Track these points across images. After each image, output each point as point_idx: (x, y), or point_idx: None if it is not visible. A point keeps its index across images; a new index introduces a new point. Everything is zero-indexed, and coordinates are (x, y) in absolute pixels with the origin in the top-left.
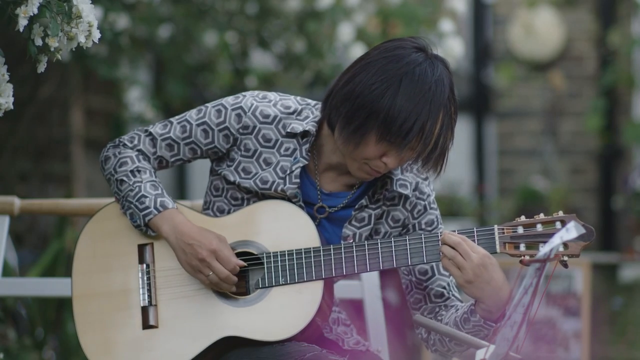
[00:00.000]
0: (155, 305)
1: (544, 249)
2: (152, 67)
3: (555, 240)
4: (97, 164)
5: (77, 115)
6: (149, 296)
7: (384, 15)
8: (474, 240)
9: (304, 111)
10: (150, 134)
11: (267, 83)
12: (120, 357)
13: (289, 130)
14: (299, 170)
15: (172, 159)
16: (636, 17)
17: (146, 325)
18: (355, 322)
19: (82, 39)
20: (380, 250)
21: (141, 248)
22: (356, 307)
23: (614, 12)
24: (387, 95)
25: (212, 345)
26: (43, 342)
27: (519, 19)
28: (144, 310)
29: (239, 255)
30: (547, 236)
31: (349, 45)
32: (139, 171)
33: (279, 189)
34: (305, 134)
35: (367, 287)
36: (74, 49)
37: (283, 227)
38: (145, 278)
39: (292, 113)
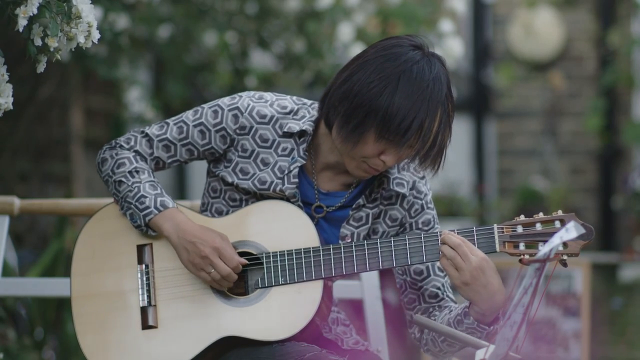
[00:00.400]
0: (155, 305)
1: (543, 249)
2: (152, 67)
3: (555, 240)
4: (95, 164)
5: (76, 116)
6: (148, 296)
7: (383, 15)
8: (473, 240)
9: (300, 111)
10: (147, 135)
11: (267, 83)
12: (119, 358)
13: (285, 130)
14: (297, 170)
15: (169, 160)
16: (636, 17)
17: (145, 326)
18: (355, 322)
19: (81, 39)
20: (379, 250)
21: (140, 248)
22: (356, 307)
23: (613, 12)
24: (386, 93)
25: (212, 345)
26: (43, 342)
27: (519, 19)
28: (143, 311)
29: (238, 255)
30: (546, 235)
31: (348, 45)
32: (137, 172)
33: (278, 189)
34: (302, 133)
35: (366, 287)
36: (73, 49)
37: (282, 227)
38: (144, 278)
39: (289, 113)
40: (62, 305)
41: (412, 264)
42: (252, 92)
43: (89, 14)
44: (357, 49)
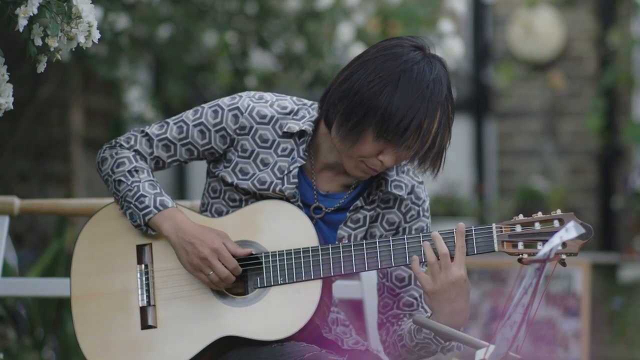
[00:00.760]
0: (154, 305)
1: (543, 249)
2: (152, 67)
3: (555, 240)
4: (95, 163)
5: (76, 116)
6: (148, 296)
7: (383, 15)
8: (472, 239)
9: (300, 111)
10: (147, 134)
11: (267, 83)
12: (119, 358)
13: (285, 130)
14: (296, 170)
15: (169, 160)
16: (636, 17)
17: (145, 326)
18: (355, 322)
19: (81, 39)
20: (378, 250)
21: (140, 248)
22: (355, 307)
23: (613, 12)
24: (385, 93)
25: (211, 345)
26: (43, 342)
27: (519, 19)
28: (143, 311)
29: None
30: (545, 235)
31: (348, 46)
32: (136, 171)
33: (277, 189)
34: (302, 133)
35: (366, 287)
36: (73, 49)
37: (282, 227)
38: (143, 278)
39: (289, 113)
40: (62, 306)
41: (410, 263)
42: (252, 92)
43: (89, 13)
44: (357, 49)
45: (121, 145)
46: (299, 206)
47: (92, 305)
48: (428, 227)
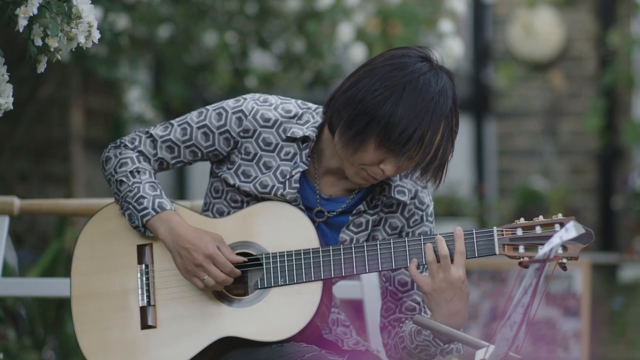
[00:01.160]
0: (154, 305)
1: (543, 249)
2: (152, 67)
3: (555, 240)
4: (97, 164)
5: (76, 116)
6: (148, 296)
7: (383, 15)
8: (473, 242)
9: (304, 115)
10: (151, 135)
11: (267, 83)
12: (118, 358)
13: (289, 134)
14: (298, 175)
15: (173, 161)
16: (636, 17)
17: (145, 326)
18: (355, 323)
19: (81, 39)
20: (379, 252)
21: (140, 248)
22: (355, 308)
23: (613, 12)
24: (389, 103)
25: (211, 345)
26: (43, 342)
27: (519, 19)
28: (143, 311)
29: (238, 255)
30: (546, 238)
31: (348, 46)
32: (138, 172)
33: (279, 193)
34: (305, 139)
35: (366, 287)
36: (73, 49)
37: (282, 229)
38: (144, 278)
39: (293, 117)
40: (62, 306)
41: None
42: (256, 95)
43: (89, 14)
44: (356, 49)
45: (125, 146)
46: (300, 209)
47: (92, 305)
48: (432, 232)
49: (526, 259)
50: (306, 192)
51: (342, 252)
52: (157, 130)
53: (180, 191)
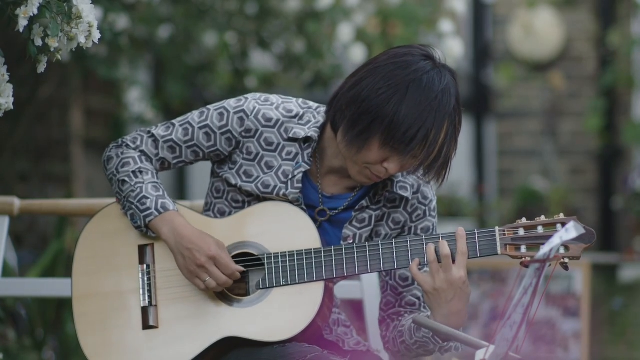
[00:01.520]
0: (156, 305)
1: (543, 249)
2: (152, 67)
3: (555, 240)
4: (97, 164)
5: (76, 116)
6: (149, 297)
7: (383, 15)
8: (475, 242)
9: (305, 115)
10: (153, 135)
11: (267, 83)
12: (120, 358)
13: (291, 135)
14: (300, 175)
15: (174, 161)
16: (636, 17)
17: (146, 326)
18: (355, 323)
19: (82, 39)
20: (381, 252)
21: (142, 248)
22: (356, 308)
23: (613, 13)
24: (393, 101)
25: (212, 345)
26: (43, 342)
27: (519, 19)
28: (144, 311)
29: (239, 256)
30: (547, 238)
31: (348, 46)
32: (140, 172)
33: (281, 193)
34: (307, 139)
35: (367, 287)
36: (73, 50)
37: (284, 229)
38: (145, 278)
39: (294, 117)
40: (62, 306)
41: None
42: (258, 94)
43: (90, 14)
44: (356, 50)
45: (127, 145)
46: (302, 209)
47: (94, 305)
48: (434, 226)
49: (528, 258)
50: (308, 192)
51: (344, 252)
52: (159, 130)
53: (180, 191)
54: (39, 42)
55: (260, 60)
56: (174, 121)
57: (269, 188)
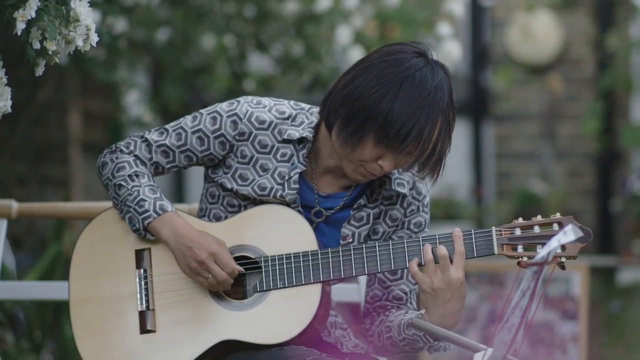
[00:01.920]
0: (153, 309)
1: (541, 252)
2: (150, 70)
3: (553, 243)
4: (95, 168)
5: (75, 119)
6: (147, 301)
7: (382, 18)
8: (472, 242)
9: (298, 116)
10: (146, 140)
11: (265, 86)
12: None
13: (285, 137)
14: (297, 176)
15: (168, 166)
16: (634, 20)
17: (144, 330)
18: (352, 326)
19: (80, 42)
20: (378, 253)
21: (138, 253)
22: (352, 311)
23: (612, 15)
24: (387, 99)
25: (210, 349)
26: (41, 345)
27: (517, 22)
28: (142, 315)
29: (236, 259)
30: (544, 238)
31: (347, 48)
32: (137, 175)
33: (278, 195)
34: (301, 140)
35: (364, 290)
36: (71, 53)
37: (281, 232)
38: (142, 283)
39: (287, 118)
40: (60, 309)
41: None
42: (249, 98)
43: (87, 17)
44: (355, 52)
45: (121, 150)
46: (299, 211)
47: (91, 310)
48: (426, 222)
49: (525, 258)
50: (304, 192)
51: (340, 254)
52: (153, 135)
53: (178, 194)
54: (37, 45)
55: (259, 63)
56: (167, 126)
57: (266, 190)
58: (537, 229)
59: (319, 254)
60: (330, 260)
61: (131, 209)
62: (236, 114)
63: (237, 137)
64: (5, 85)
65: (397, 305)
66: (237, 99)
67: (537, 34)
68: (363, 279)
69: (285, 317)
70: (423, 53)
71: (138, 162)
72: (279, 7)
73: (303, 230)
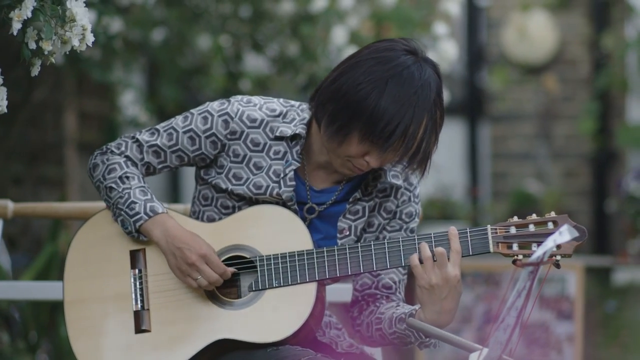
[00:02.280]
0: (148, 309)
1: (537, 252)
2: (146, 70)
3: (549, 243)
4: (87, 169)
5: (70, 119)
6: (142, 301)
7: (377, 18)
8: (467, 240)
9: (289, 113)
10: (137, 140)
11: (261, 86)
12: None
13: (277, 134)
14: (292, 173)
15: (159, 166)
16: (629, 20)
17: (139, 330)
18: (347, 326)
19: (75, 42)
20: (373, 252)
21: (133, 253)
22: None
23: (607, 16)
24: (372, 97)
25: (205, 348)
26: (36, 345)
27: (513, 23)
28: (137, 315)
29: (232, 259)
30: (539, 236)
31: (342, 49)
32: (127, 177)
33: (274, 192)
34: (294, 136)
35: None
36: (67, 53)
37: (276, 232)
38: (137, 283)
39: (278, 116)
40: (55, 309)
41: (405, 264)
42: (239, 97)
43: (83, 17)
44: (351, 52)
45: (112, 151)
46: (294, 210)
47: (86, 310)
48: (417, 212)
49: (520, 256)
50: (297, 188)
51: (336, 253)
52: (144, 136)
53: (174, 194)
54: (32, 45)
55: (255, 63)
56: (158, 126)
57: (262, 189)
58: (532, 228)
59: (314, 253)
60: (326, 259)
61: (123, 212)
62: (227, 113)
63: (228, 136)
64: (1, 85)
65: (386, 294)
66: (228, 98)
67: (532, 34)
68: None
69: (280, 316)
70: (413, 50)
71: (129, 163)
72: (274, 7)
73: (298, 230)
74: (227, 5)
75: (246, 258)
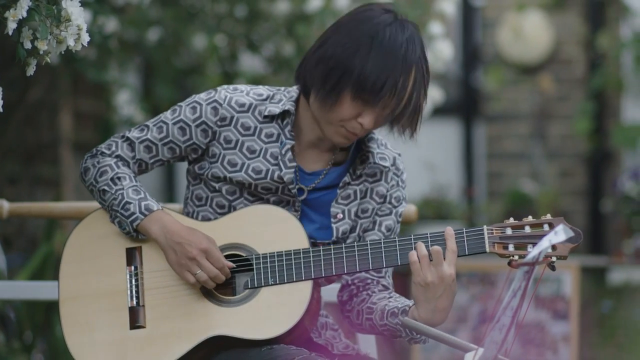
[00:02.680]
0: (143, 305)
1: (532, 252)
2: (141, 70)
3: (544, 244)
4: (78, 174)
5: (66, 119)
6: (137, 297)
7: None
8: (463, 241)
9: (276, 96)
10: (128, 138)
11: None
12: (107, 358)
13: (266, 114)
14: (290, 153)
15: (152, 161)
16: (625, 20)
17: (134, 326)
18: (343, 327)
19: (71, 42)
20: (369, 251)
21: (129, 251)
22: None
23: (602, 15)
24: (360, 54)
25: (200, 345)
26: (32, 345)
27: (508, 22)
28: (132, 311)
29: (227, 257)
30: (535, 238)
31: None
32: (119, 178)
33: (275, 176)
34: (284, 114)
35: None
36: (63, 52)
37: (272, 231)
38: (133, 280)
39: (266, 99)
40: (51, 309)
41: (402, 264)
42: (225, 85)
43: (79, 17)
44: None
45: (102, 153)
46: (294, 194)
47: (80, 307)
48: (404, 197)
49: (516, 257)
50: None
51: (332, 251)
52: (134, 133)
53: (168, 193)
54: (28, 45)
55: (250, 63)
56: (147, 123)
57: (262, 173)
58: (527, 229)
59: (311, 252)
60: (322, 258)
61: (118, 214)
62: (215, 101)
63: (218, 123)
64: None
65: (376, 279)
66: (214, 88)
67: (528, 34)
68: None
69: (275, 313)
70: (391, 10)
71: (120, 163)
72: (270, 7)
73: (294, 229)
74: (223, 5)
75: (242, 256)
